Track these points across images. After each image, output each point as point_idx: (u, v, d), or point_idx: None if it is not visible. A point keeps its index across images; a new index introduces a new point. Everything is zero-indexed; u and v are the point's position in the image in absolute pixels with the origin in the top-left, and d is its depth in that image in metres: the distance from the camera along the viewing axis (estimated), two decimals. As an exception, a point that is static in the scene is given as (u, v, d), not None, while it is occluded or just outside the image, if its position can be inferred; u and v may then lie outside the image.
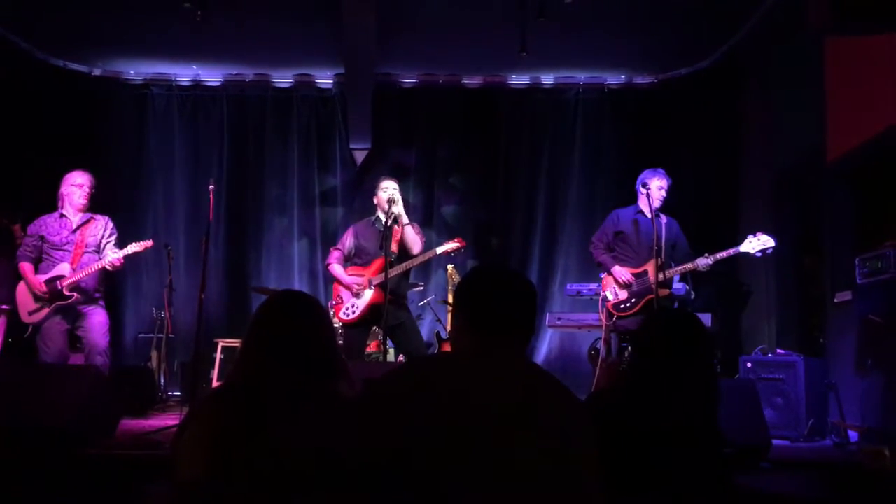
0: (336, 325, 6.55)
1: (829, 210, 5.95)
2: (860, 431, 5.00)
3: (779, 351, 5.89)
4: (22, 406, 4.11)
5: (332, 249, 5.88)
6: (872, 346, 5.13)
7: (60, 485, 3.53)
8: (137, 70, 8.46)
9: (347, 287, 5.60)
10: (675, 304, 6.11)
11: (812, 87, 5.97)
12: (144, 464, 3.73)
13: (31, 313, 5.35)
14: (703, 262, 5.44)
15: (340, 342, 5.97)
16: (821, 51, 5.82)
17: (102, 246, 5.53)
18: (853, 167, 5.64)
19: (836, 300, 5.62)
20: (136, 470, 3.67)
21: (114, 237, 5.60)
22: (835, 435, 5.27)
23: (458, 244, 5.68)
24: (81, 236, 5.47)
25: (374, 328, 6.00)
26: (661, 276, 5.26)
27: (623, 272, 5.62)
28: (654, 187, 5.62)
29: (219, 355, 7.30)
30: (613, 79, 8.59)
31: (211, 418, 1.89)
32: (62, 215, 5.51)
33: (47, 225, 5.48)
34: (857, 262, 5.17)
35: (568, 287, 7.26)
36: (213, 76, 8.57)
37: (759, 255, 5.49)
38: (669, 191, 5.73)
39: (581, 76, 8.56)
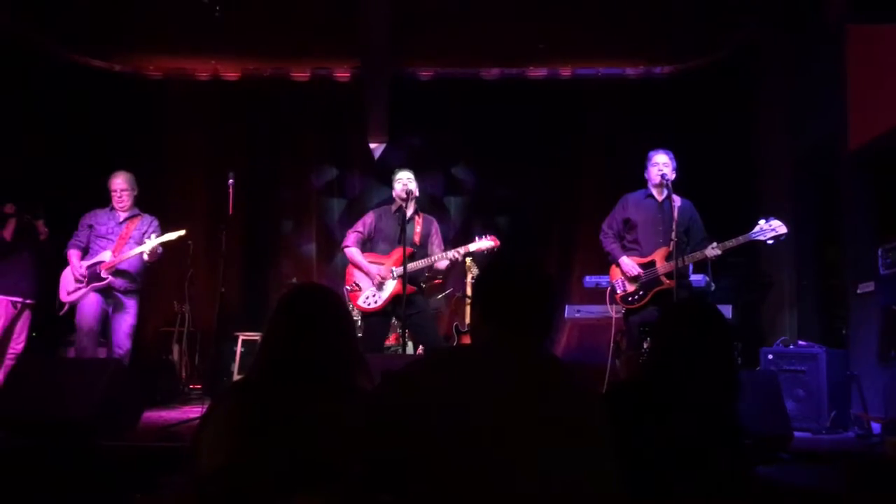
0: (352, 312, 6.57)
1: (850, 200, 5.89)
2: (883, 423, 4.96)
3: (800, 342, 5.83)
4: (45, 399, 4.17)
5: (349, 232, 5.65)
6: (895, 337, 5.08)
7: (82, 477, 3.57)
8: (157, 65, 8.51)
9: (368, 275, 5.44)
10: (695, 295, 6.06)
11: (832, 75, 5.91)
12: (165, 456, 3.76)
13: (69, 293, 5.69)
14: (712, 252, 5.15)
15: (360, 333, 5.95)
16: (842, 39, 5.76)
17: (144, 241, 5.77)
18: (875, 156, 5.57)
19: (858, 291, 5.56)
20: (157, 462, 3.70)
21: (155, 235, 5.83)
22: (857, 427, 5.23)
23: (492, 243, 5.46)
24: (126, 229, 5.87)
25: (394, 320, 5.90)
26: (679, 262, 5.06)
27: (631, 266, 5.36)
28: (661, 163, 5.38)
29: (239, 348, 7.34)
30: (632, 69, 8.53)
31: (231, 411, 1.90)
32: (112, 208, 5.92)
33: (97, 217, 5.90)
34: (879, 253, 5.12)
35: (587, 279, 7.22)
36: (231, 71, 8.60)
37: (771, 242, 5.12)
38: (678, 170, 5.44)
39: (600, 67, 8.52)
